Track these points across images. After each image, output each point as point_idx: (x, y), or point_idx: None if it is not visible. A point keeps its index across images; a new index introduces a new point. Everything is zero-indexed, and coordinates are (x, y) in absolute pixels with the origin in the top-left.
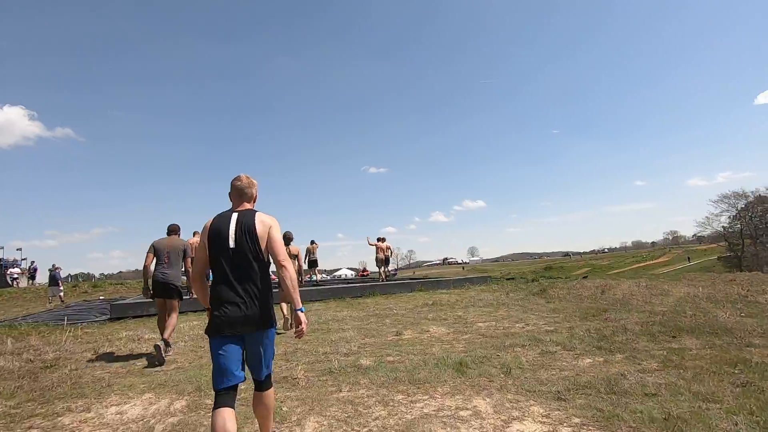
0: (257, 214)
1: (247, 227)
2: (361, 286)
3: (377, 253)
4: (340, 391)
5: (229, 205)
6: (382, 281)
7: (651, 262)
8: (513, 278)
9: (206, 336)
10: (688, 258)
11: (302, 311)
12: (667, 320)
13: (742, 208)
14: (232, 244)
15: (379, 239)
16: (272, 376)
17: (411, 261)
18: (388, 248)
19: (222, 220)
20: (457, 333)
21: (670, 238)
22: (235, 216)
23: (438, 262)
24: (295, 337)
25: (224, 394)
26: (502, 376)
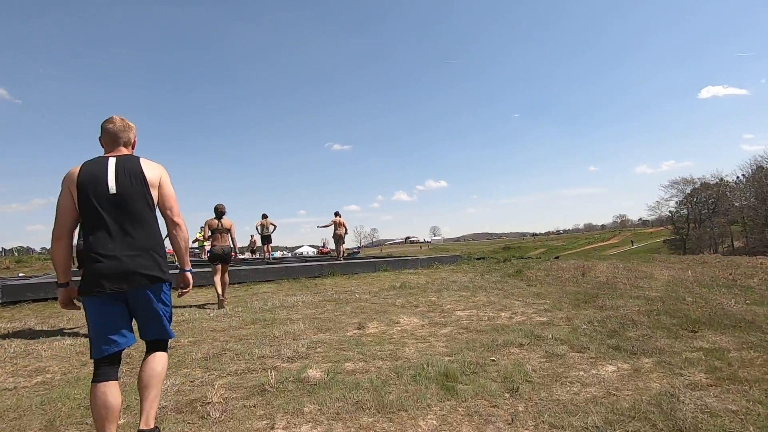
0: (143, 160)
1: (132, 171)
2: (319, 265)
3: (336, 228)
4: (273, 428)
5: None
6: (343, 259)
7: (602, 243)
8: (483, 257)
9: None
10: (632, 242)
11: (190, 272)
12: (671, 309)
13: (688, 193)
14: (113, 189)
15: (336, 214)
16: (168, 343)
17: (374, 239)
18: (344, 225)
19: (95, 165)
20: (434, 325)
21: (619, 221)
22: (113, 160)
23: (400, 240)
24: (179, 296)
25: (104, 365)
26: (508, 396)
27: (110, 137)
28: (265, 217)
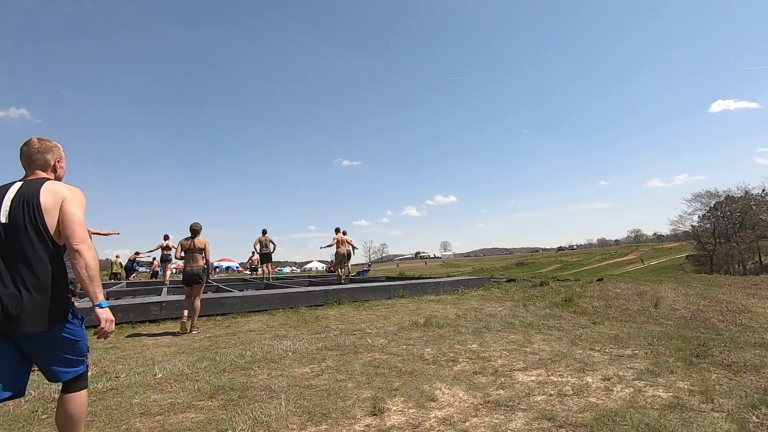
0: (48, 183)
1: (27, 198)
2: (323, 291)
3: (338, 247)
4: None
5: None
6: (345, 281)
7: (619, 259)
8: (514, 279)
9: None
10: (641, 260)
11: (103, 306)
12: None
13: (712, 207)
14: (4, 218)
15: (338, 230)
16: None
17: (383, 255)
18: (350, 242)
19: None
20: (494, 407)
21: (633, 236)
22: (16, 186)
23: (410, 256)
24: (96, 337)
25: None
26: None
27: (25, 160)
28: (264, 233)
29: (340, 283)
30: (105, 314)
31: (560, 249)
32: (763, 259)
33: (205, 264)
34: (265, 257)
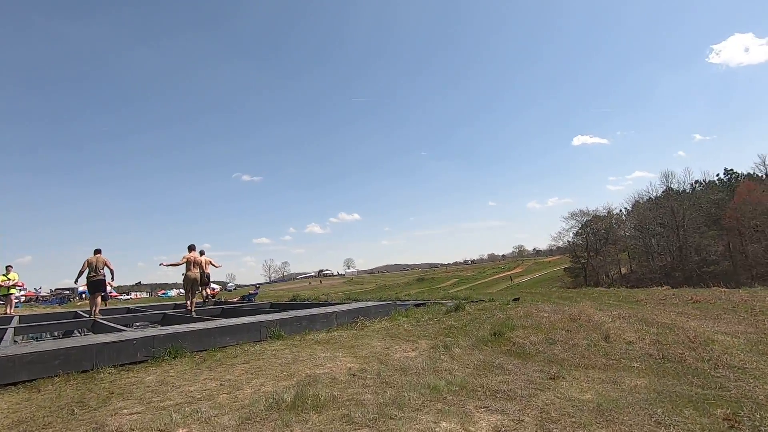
0: None
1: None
2: (148, 338)
3: (188, 269)
4: None
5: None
6: (192, 313)
7: (507, 272)
8: (424, 304)
9: None
10: (510, 278)
11: None
12: None
13: (583, 224)
14: None
15: (192, 248)
16: None
17: (285, 273)
18: (209, 263)
19: None
20: None
21: (517, 251)
22: None
23: (313, 274)
24: None
25: None
26: None
27: None
28: (97, 252)
29: (188, 320)
30: None
31: (456, 264)
32: (622, 270)
33: None
34: (95, 285)
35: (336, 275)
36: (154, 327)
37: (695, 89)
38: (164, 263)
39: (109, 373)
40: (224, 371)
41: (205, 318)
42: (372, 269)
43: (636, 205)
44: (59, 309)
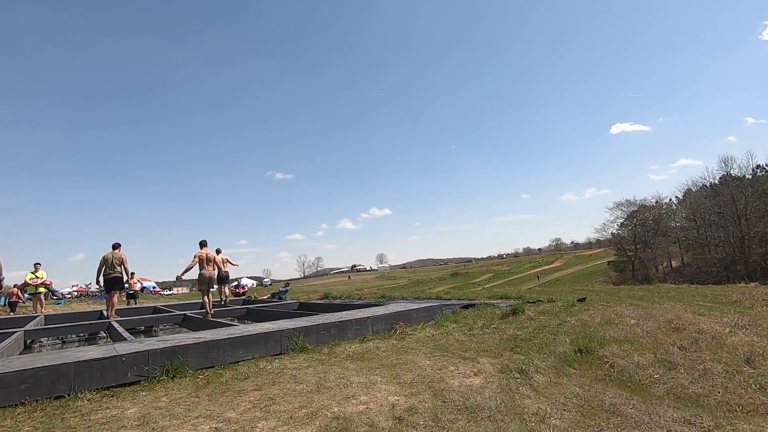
0: None
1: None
2: (141, 354)
3: (201, 268)
4: None
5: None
6: (209, 315)
7: (546, 267)
8: (473, 305)
9: None
10: (538, 276)
11: None
12: None
13: (628, 215)
14: None
15: (203, 245)
16: None
17: (318, 268)
18: (226, 261)
19: None
20: None
21: (554, 245)
22: None
23: (346, 269)
24: None
25: None
26: None
27: None
28: (115, 247)
29: (206, 324)
30: None
31: (490, 258)
32: (673, 263)
33: None
34: (111, 283)
35: (368, 270)
36: (177, 331)
37: (746, 69)
38: (179, 275)
39: (88, 401)
40: (227, 403)
41: (223, 323)
42: (404, 264)
43: (688, 193)
44: (102, 306)
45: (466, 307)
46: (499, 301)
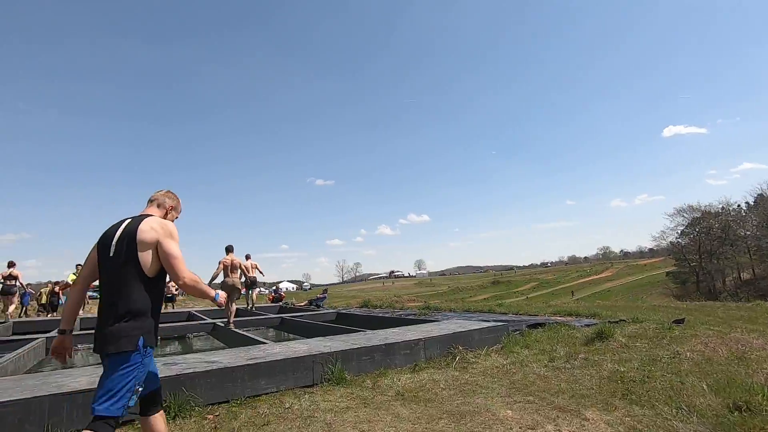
0: (148, 218)
1: (128, 233)
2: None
3: (225, 275)
4: None
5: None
6: (231, 325)
7: (595, 276)
8: (542, 324)
9: None
10: (572, 292)
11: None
12: None
13: (689, 222)
14: (112, 251)
15: (228, 250)
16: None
17: (357, 274)
18: (255, 267)
19: (113, 226)
20: None
21: (602, 253)
22: (126, 222)
23: (385, 275)
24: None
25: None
26: None
27: (149, 201)
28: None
29: (232, 338)
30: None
31: (532, 266)
32: (743, 275)
33: None
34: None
35: (407, 276)
36: (206, 341)
37: None
38: (207, 284)
39: None
40: None
41: (249, 338)
42: (443, 271)
43: (761, 198)
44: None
45: (534, 326)
46: (570, 318)
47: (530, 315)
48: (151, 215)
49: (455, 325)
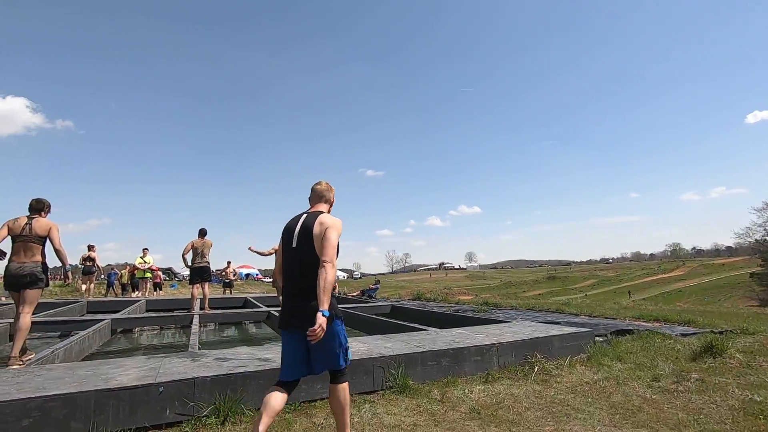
0: (321, 215)
1: (306, 227)
2: (190, 383)
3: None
4: None
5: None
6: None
7: (663, 275)
8: (630, 331)
9: None
10: (629, 292)
11: (324, 314)
12: None
13: None
14: (294, 243)
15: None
16: (345, 371)
17: (406, 264)
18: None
19: (293, 220)
20: None
21: (670, 250)
22: (303, 217)
23: (434, 266)
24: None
25: (279, 385)
26: None
27: (313, 196)
28: (202, 233)
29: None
30: (320, 320)
31: (590, 262)
32: None
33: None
34: (199, 273)
35: (457, 269)
36: (260, 329)
37: None
38: (252, 248)
39: None
40: None
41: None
42: (494, 264)
43: None
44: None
45: (620, 332)
46: (658, 324)
47: (607, 318)
48: (321, 211)
49: (530, 329)
